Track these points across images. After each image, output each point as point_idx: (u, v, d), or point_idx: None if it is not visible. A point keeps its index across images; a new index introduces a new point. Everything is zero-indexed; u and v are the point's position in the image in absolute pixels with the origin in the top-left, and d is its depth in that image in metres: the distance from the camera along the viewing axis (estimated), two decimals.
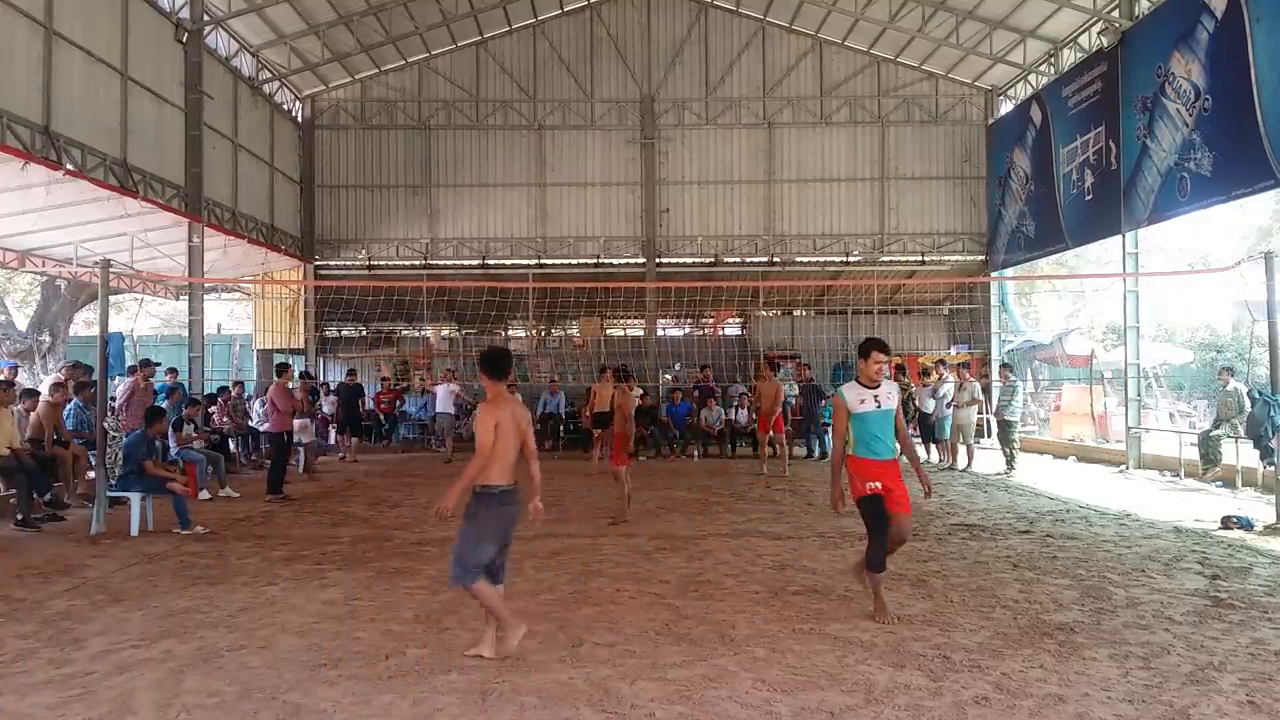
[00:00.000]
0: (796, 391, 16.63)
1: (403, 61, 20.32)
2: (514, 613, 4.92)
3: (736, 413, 17.42)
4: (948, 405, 14.55)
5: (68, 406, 10.82)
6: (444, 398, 16.54)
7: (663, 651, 4.93)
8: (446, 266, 20.61)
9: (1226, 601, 5.98)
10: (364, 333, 22.05)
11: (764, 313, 22.25)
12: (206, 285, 17.62)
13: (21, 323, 22.94)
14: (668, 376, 20.79)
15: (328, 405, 17.09)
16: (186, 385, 14.56)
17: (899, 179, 20.68)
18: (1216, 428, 12.42)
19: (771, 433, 13.46)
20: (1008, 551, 7.73)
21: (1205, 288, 27.85)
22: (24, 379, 16.02)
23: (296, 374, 13.66)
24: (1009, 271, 20.67)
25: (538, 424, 18.78)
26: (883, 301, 21.74)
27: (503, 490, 4.77)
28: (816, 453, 16.42)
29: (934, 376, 15.26)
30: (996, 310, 21.10)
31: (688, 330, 22.86)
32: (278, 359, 17.55)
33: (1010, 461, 13.77)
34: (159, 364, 14.10)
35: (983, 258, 20.61)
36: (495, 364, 4.95)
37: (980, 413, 17.07)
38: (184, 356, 16.27)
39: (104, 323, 9.40)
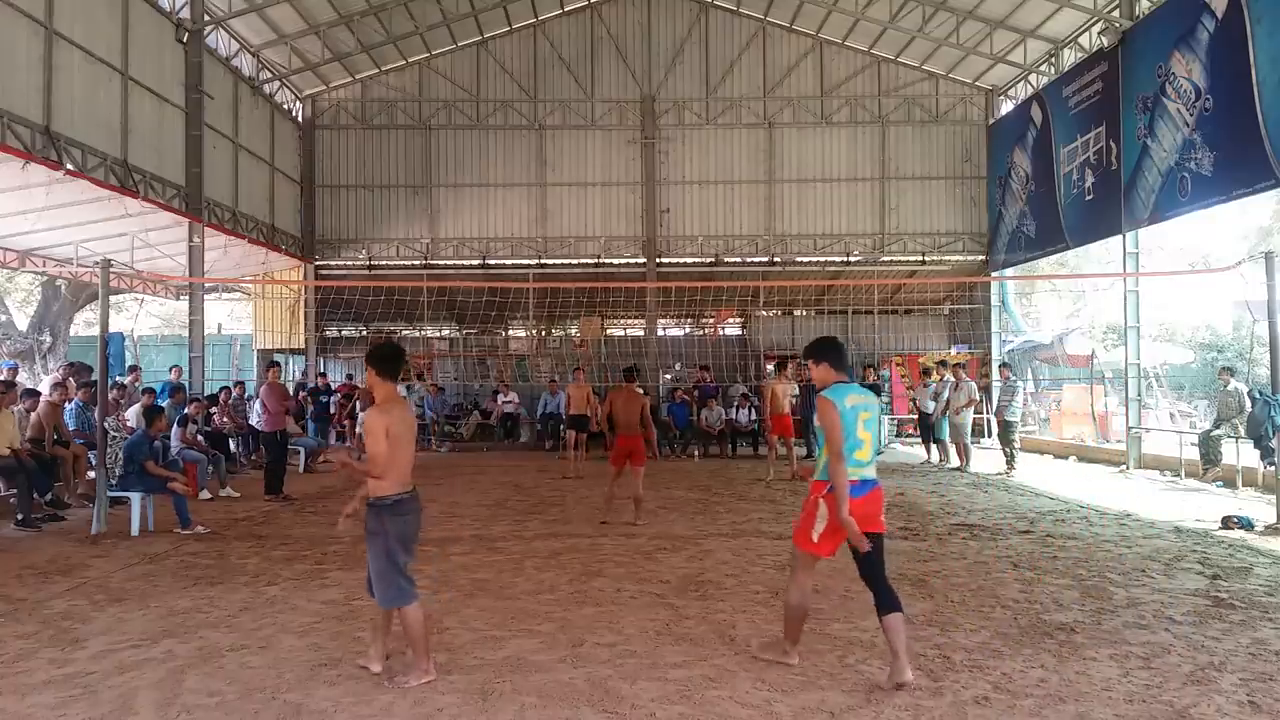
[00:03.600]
0: (796, 391, 16.63)
1: (403, 61, 20.31)
2: (426, 657, 4.47)
3: (737, 413, 17.42)
4: (942, 410, 14.59)
5: (68, 406, 10.83)
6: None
7: (663, 651, 4.93)
8: (447, 266, 20.60)
9: (1227, 601, 5.98)
10: (364, 333, 22.03)
11: (764, 313, 22.24)
12: (206, 285, 17.61)
13: (22, 323, 22.93)
14: (668, 376, 20.78)
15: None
16: (188, 385, 14.55)
17: (899, 179, 20.66)
18: (1217, 428, 12.41)
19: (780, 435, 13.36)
20: (1008, 551, 7.73)
21: (1205, 288, 27.82)
22: (24, 379, 16.02)
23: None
24: (1009, 271, 20.66)
25: (538, 424, 18.84)
26: (883, 301, 21.73)
27: (395, 500, 4.40)
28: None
29: (935, 377, 15.29)
30: (997, 310, 21.10)
31: (688, 330, 22.85)
32: (276, 359, 17.51)
33: (1010, 461, 13.76)
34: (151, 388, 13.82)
35: (983, 258, 20.59)
36: (390, 362, 4.44)
37: (979, 413, 17.05)
38: (184, 356, 16.25)
39: (104, 323, 9.40)
